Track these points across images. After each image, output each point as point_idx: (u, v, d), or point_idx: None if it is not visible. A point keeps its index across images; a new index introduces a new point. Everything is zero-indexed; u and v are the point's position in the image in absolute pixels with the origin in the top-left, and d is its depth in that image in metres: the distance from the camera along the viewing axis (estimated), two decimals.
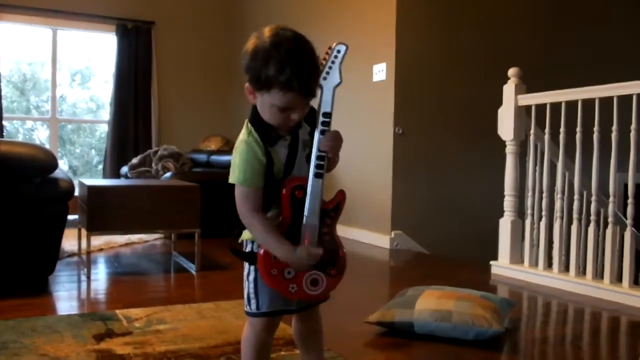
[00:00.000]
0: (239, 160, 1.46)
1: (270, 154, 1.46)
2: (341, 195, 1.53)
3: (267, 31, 1.41)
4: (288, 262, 1.45)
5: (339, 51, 1.43)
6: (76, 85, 7.68)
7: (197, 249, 3.80)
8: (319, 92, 1.44)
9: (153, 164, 6.05)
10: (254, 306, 1.55)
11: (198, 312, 2.81)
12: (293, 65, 1.36)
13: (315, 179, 1.46)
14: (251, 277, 1.54)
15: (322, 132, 1.45)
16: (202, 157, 6.38)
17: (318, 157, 1.45)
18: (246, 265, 1.55)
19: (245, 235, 1.55)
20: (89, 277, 3.59)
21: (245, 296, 1.56)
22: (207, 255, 4.06)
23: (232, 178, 1.47)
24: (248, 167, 1.45)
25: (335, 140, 1.47)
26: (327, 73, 1.43)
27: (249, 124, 1.48)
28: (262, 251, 1.47)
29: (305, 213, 1.46)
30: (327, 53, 1.43)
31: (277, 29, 1.41)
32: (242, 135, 1.48)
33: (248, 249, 1.55)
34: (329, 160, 1.48)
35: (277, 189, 1.47)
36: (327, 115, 1.44)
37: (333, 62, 1.43)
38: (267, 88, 1.39)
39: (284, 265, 1.47)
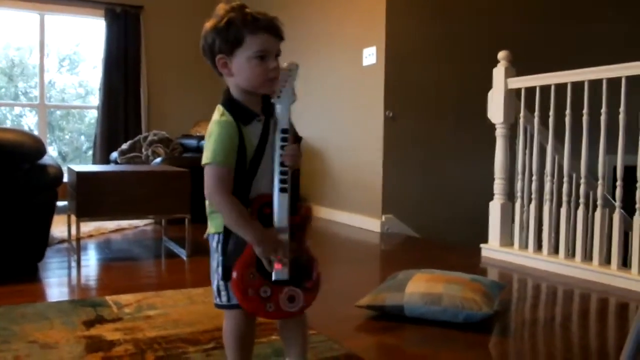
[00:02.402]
0: (212, 141, 1.46)
1: (242, 135, 1.46)
2: (307, 210, 1.57)
3: (218, 13, 1.51)
4: (258, 244, 1.45)
5: (290, 70, 1.48)
6: (65, 70, 7.60)
7: (187, 235, 3.80)
8: (275, 110, 1.49)
9: (143, 150, 6.02)
10: (224, 298, 1.53)
11: (188, 297, 2.81)
12: (253, 13, 1.47)
13: (281, 194, 1.48)
14: (220, 269, 1.51)
15: (282, 148, 1.48)
16: (192, 142, 6.33)
17: (281, 172, 1.48)
18: (215, 256, 1.53)
19: (211, 228, 1.53)
20: (78, 264, 3.58)
21: (215, 289, 1.54)
22: (198, 241, 4.04)
23: (204, 159, 1.47)
24: (220, 147, 1.45)
25: (295, 153, 1.50)
26: (280, 92, 1.48)
27: (221, 107, 1.50)
28: (235, 274, 1.46)
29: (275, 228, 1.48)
30: None
31: None
32: (215, 116, 1.50)
33: (214, 244, 1.53)
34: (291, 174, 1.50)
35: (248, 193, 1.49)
36: (285, 131, 1.50)
37: (284, 83, 1.48)
38: (239, 42, 1.46)
39: (260, 284, 1.47)
